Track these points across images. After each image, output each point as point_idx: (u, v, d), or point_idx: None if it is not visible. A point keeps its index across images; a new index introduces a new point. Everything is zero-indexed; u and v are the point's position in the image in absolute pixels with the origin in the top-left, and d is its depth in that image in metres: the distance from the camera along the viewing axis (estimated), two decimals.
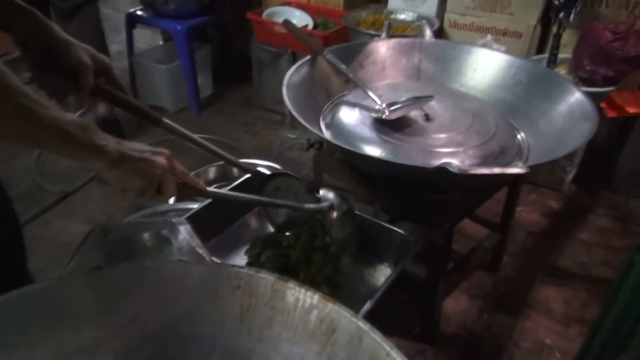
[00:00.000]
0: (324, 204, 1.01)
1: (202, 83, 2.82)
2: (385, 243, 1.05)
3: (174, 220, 0.72)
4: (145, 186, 0.69)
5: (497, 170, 0.88)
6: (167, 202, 1.43)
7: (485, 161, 1.13)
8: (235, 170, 1.75)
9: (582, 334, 1.42)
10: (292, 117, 2.71)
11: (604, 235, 1.84)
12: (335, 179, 1.33)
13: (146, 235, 1.41)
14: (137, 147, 0.69)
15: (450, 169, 0.86)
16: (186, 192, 0.76)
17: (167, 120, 0.86)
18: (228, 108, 2.83)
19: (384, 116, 1.22)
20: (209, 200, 1.07)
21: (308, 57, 1.44)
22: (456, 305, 1.50)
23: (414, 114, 1.27)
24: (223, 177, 1.75)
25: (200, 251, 0.70)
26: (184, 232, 0.71)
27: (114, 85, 0.84)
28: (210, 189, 0.80)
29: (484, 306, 1.51)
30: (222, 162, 1.88)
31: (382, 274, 1.04)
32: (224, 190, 0.95)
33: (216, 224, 1.11)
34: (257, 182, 1.07)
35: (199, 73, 2.75)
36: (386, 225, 1.03)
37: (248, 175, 1.20)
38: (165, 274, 0.69)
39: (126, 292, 0.68)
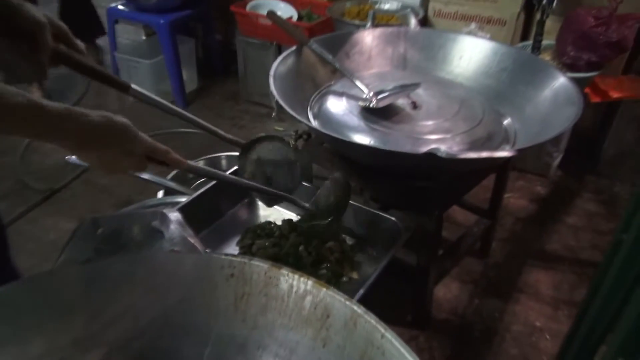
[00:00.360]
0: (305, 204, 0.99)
1: (186, 78, 2.80)
2: (376, 230, 1.06)
3: (164, 210, 0.72)
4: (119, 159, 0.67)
5: (485, 154, 0.89)
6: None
7: (473, 147, 1.14)
8: (224, 163, 1.74)
9: (571, 315, 1.44)
10: (279, 110, 2.69)
11: (590, 219, 1.87)
12: (324, 168, 1.33)
13: (135, 229, 1.40)
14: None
15: (439, 154, 0.87)
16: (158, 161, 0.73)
17: (135, 87, 0.82)
18: (214, 102, 2.81)
19: (371, 105, 1.23)
20: (199, 192, 1.06)
21: (294, 47, 1.43)
22: (447, 292, 1.52)
23: (401, 102, 1.27)
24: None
25: (192, 241, 0.70)
26: (176, 222, 0.70)
27: (75, 50, 0.77)
28: (191, 162, 0.78)
29: (474, 292, 1.53)
30: (212, 156, 1.88)
31: (374, 261, 1.04)
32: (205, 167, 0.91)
33: (206, 216, 1.11)
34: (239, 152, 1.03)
35: (183, 67, 2.73)
36: (377, 212, 1.04)
37: (232, 170, 1.19)
38: (157, 265, 0.69)
39: (118, 284, 0.68)
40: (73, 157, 1.48)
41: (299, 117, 1.13)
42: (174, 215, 0.71)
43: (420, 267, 1.24)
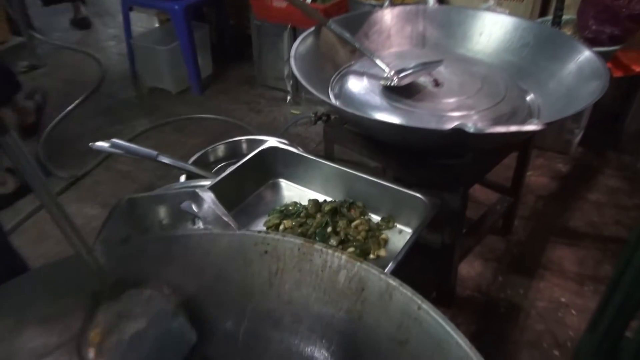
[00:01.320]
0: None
1: (201, 63, 2.80)
2: (403, 208, 1.06)
3: (197, 190, 0.73)
4: None
5: (513, 128, 0.88)
6: None
7: (497, 123, 1.13)
8: (245, 147, 1.75)
9: (597, 291, 1.44)
10: (295, 93, 2.69)
11: (613, 195, 1.85)
12: (346, 149, 1.33)
13: (162, 213, 1.42)
14: None
15: (467, 130, 0.86)
16: None
17: None
18: (230, 87, 2.82)
19: (393, 83, 1.22)
20: (225, 174, 1.07)
21: (312, 28, 1.43)
22: (470, 269, 1.52)
23: (423, 80, 1.26)
24: (233, 154, 1.74)
25: (226, 219, 0.70)
26: (209, 201, 0.71)
27: None
28: None
29: (498, 269, 1.53)
30: (232, 140, 1.89)
31: (401, 239, 1.05)
32: None
33: (232, 197, 1.11)
34: None
35: (198, 53, 2.73)
36: (403, 189, 1.04)
37: (258, 150, 1.20)
38: (192, 243, 0.70)
39: (154, 263, 0.69)
40: (97, 143, 1.49)
41: (322, 97, 1.12)
42: (207, 195, 0.72)
43: (445, 244, 1.24)
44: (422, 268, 1.32)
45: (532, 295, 1.44)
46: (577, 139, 2.04)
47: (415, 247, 0.97)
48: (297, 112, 2.52)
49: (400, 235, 1.06)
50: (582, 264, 1.55)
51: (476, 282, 1.49)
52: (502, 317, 1.39)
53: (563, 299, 1.43)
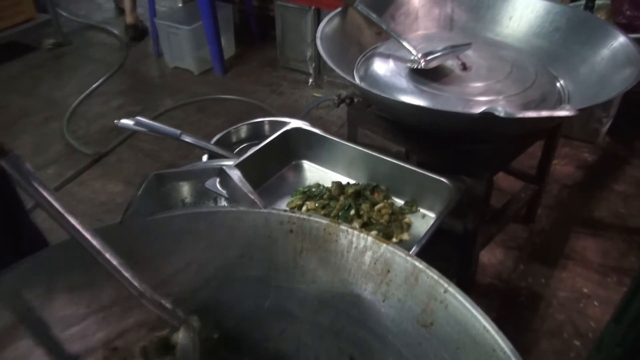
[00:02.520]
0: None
1: (224, 44, 2.80)
2: (427, 192, 1.05)
3: (224, 167, 0.73)
4: None
5: (545, 113, 0.86)
6: None
7: (526, 109, 1.11)
8: (267, 128, 1.75)
9: (621, 283, 1.42)
10: (318, 76, 2.67)
11: None
12: (370, 132, 1.32)
13: (185, 192, 1.43)
14: None
15: (497, 114, 0.85)
16: None
17: None
18: (252, 69, 2.81)
19: (420, 66, 1.20)
20: (249, 154, 1.07)
21: (339, 9, 1.41)
22: (492, 257, 1.51)
23: (451, 63, 1.24)
24: (255, 136, 1.74)
25: (252, 197, 0.70)
26: (235, 178, 0.71)
27: None
28: None
29: (519, 257, 1.51)
30: (255, 120, 1.89)
31: (424, 223, 1.04)
32: None
33: (255, 177, 1.12)
34: None
35: (221, 34, 2.72)
36: (428, 173, 1.03)
37: (282, 131, 1.20)
38: (218, 220, 0.70)
39: (181, 238, 0.70)
40: (122, 120, 1.51)
41: (347, 77, 1.11)
42: (234, 172, 0.72)
43: (468, 231, 1.23)
44: (443, 254, 1.32)
45: (554, 285, 1.43)
46: (605, 128, 1.99)
47: (437, 232, 0.96)
48: (319, 95, 2.51)
49: (424, 220, 1.05)
50: (606, 255, 1.53)
51: (497, 270, 1.48)
52: (523, 305, 1.38)
53: (585, 290, 1.41)
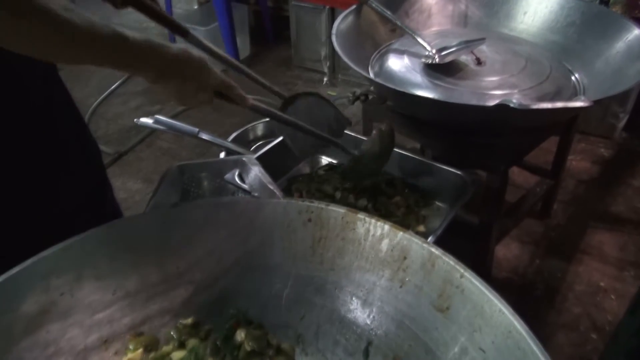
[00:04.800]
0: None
1: (240, 44, 2.83)
2: (442, 184, 1.06)
3: (244, 158, 0.75)
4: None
5: (559, 104, 0.87)
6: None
7: (541, 101, 1.11)
8: None
9: (638, 277, 1.41)
10: (332, 75, 2.68)
11: None
12: None
13: (204, 187, 1.46)
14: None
15: (512, 105, 0.86)
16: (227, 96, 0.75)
17: (194, 33, 0.82)
18: (267, 69, 2.84)
19: (434, 61, 1.21)
20: (268, 147, 1.10)
21: (354, 6, 1.43)
22: (507, 252, 1.51)
23: (465, 58, 1.25)
24: (271, 134, 1.76)
25: (271, 187, 0.72)
26: (256, 169, 0.73)
27: None
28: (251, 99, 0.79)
29: (535, 252, 1.51)
30: (269, 119, 1.91)
31: (440, 215, 1.05)
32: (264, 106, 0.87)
33: (274, 170, 1.14)
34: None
35: (237, 34, 2.75)
36: (443, 166, 1.04)
37: None
38: (238, 210, 0.72)
39: (203, 227, 0.72)
40: (141, 119, 1.53)
41: (363, 72, 1.13)
42: (254, 163, 0.74)
43: (483, 225, 1.24)
44: (458, 248, 1.32)
45: (570, 279, 1.43)
46: (622, 123, 1.98)
47: (452, 225, 0.97)
48: (334, 94, 2.53)
49: (439, 212, 1.06)
50: (623, 249, 1.52)
51: (512, 264, 1.48)
52: (539, 299, 1.38)
53: (602, 284, 1.41)
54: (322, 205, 0.71)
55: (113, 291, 0.67)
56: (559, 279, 1.43)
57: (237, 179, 1.06)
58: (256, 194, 0.73)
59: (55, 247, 0.62)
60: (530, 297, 1.39)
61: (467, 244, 1.34)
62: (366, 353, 0.67)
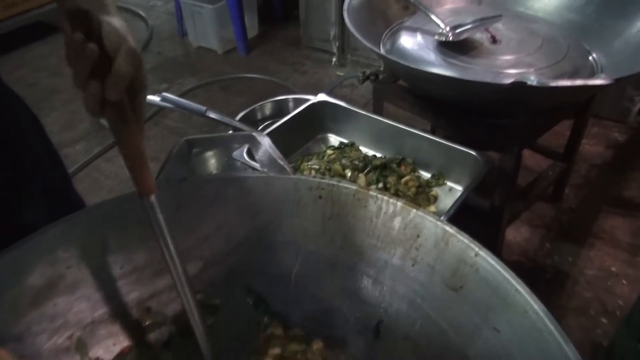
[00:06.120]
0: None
1: (248, 23, 2.79)
2: (455, 165, 1.04)
3: (254, 133, 0.73)
4: None
5: (579, 82, 0.84)
6: None
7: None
8: (291, 105, 1.75)
9: None
10: (341, 55, 2.64)
11: None
12: (397, 107, 1.31)
13: (211, 165, 1.45)
14: None
15: (529, 83, 0.83)
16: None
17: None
18: (275, 48, 2.80)
19: (448, 38, 1.18)
20: (278, 124, 1.08)
21: None
22: (517, 235, 1.49)
23: (480, 36, 1.22)
24: (280, 113, 1.74)
25: (282, 163, 0.71)
26: (266, 144, 0.72)
27: None
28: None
29: (546, 236, 1.50)
30: (279, 98, 1.89)
31: (451, 196, 1.03)
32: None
33: (282, 149, 1.12)
34: None
35: (245, 13, 2.72)
36: (456, 146, 1.02)
37: (309, 104, 1.20)
38: (248, 185, 0.71)
39: (211, 203, 0.70)
40: (149, 96, 1.52)
41: (374, 49, 1.10)
42: (264, 138, 0.73)
43: (494, 207, 1.22)
44: (468, 231, 1.30)
45: (581, 263, 1.41)
46: (637, 107, 1.93)
47: (464, 207, 0.95)
48: (342, 74, 2.50)
49: (451, 193, 1.05)
50: (635, 234, 1.50)
51: (523, 247, 1.46)
52: (549, 283, 1.37)
53: (613, 269, 1.39)
54: (334, 182, 0.69)
55: (120, 265, 0.66)
56: (569, 263, 1.41)
57: (245, 156, 1.05)
58: (266, 170, 0.72)
59: (62, 221, 0.61)
60: (540, 281, 1.37)
61: (477, 226, 1.32)
62: (376, 331, 0.66)
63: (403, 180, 1.04)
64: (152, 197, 0.56)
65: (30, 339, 0.57)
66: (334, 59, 2.63)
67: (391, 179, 1.04)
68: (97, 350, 0.62)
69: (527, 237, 1.49)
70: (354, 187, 0.68)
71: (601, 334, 1.23)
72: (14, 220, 0.75)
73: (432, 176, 1.07)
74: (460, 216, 0.94)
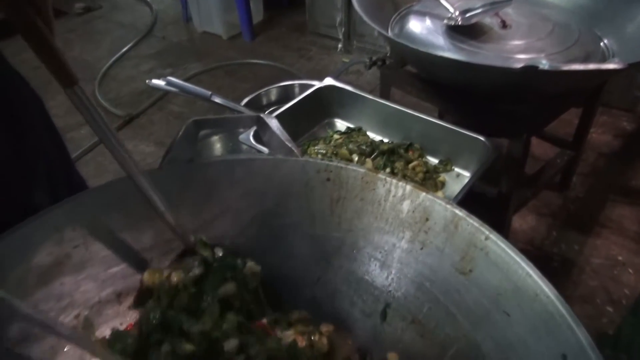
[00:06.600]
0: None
1: (253, 9, 2.77)
2: (463, 150, 1.03)
3: (262, 115, 0.72)
4: None
5: (592, 66, 0.83)
6: None
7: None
8: (297, 91, 1.73)
9: None
10: (347, 42, 2.62)
11: None
12: (404, 92, 1.30)
13: (216, 150, 1.44)
14: None
15: (541, 67, 0.82)
16: None
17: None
18: (280, 34, 2.78)
19: (457, 22, 1.17)
20: (285, 108, 1.07)
21: None
22: (524, 223, 1.48)
23: (489, 21, 1.20)
24: (285, 98, 1.73)
25: (290, 145, 0.70)
26: (274, 126, 0.71)
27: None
28: None
29: (552, 224, 1.49)
30: (285, 83, 1.88)
31: (459, 182, 1.03)
32: None
33: (290, 132, 1.12)
34: None
35: None
36: (464, 131, 1.01)
37: (316, 88, 1.19)
38: (256, 167, 0.70)
39: (219, 184, 0.70)
40: (153, 80, 1.51)
41: (382, 32, 1.09)
42: (272, 120, 0.72)
43: (502, 194, 1.21)
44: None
45: (588, 252, 1.40)
46: None
47: (471, 194, 0.94)
48: (347, 60, 2.48)
49: (458, 179, 1.04)
50: None
51: (529, 236, 1.45)
52: (555, 271, 1.36)
53: (620, 257, 1.38)
54: (342, 164, 0.68)
55: (127, 246, 0.66)
56: (576, 251, 1.41)
57: (252, 139, 1.04)
58: (273, 152, 0.71)
59: (69, 200, 0.61)
60: (546, 269, 1.35)
61: (484, 213, 1.32)
62: (384, 315, 0.66)
63: (410, 165, 1.03)
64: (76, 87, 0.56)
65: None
66: (339, 46, 2.61)
67: (398, 164, 1.03)
68: (104, 330, 0.62)
69: (534, 226, 1.48)
70: (362, 169, 0.67)
71: (607, 322, 1.23)
72: (22, 198, 0.75)
73: (440, 162, 1.06)
74: (467, 203, 0.93)
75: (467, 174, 1.04)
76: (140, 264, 0.66)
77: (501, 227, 1.33)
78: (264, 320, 0.66)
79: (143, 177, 0.62)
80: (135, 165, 0.61)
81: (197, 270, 0.65)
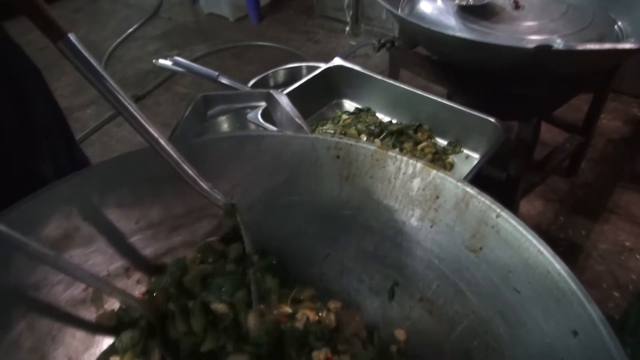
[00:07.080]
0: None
1: None
2: (472, 131, 1.02)
3: (271, 91, 0.72)
4: None
5: (607, 46, 0.81)
6: None
7: None
8: (304, 72, 1.72)
9: None
10: (355, 25, 2.60)
11: None
12: (414, 73, 1.28)
13: (224, 128, 1.44)
14: None
15: (555, 46, 0.80)
16: None
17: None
18: (287, 17, 2.76)
19: (469, 2, 1.15)
20: (293, 87, 1.06)
21: None
22: (531, 208, 1.48)
23: (502, 1, 1.19)
24: (293, 80, 1.72)
25: (299, 122, 0.69)
26: (284, 102, 0.70)
27: None
28: None
29: (559, 209, 1.48)
30: (292, 65, 1.87)
31: (467, 163, 1.02)
32: None
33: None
34: None
35: None
36: (474, 112, 1.00)
37: (324, 68, 1.18)
38: (265, 144, 0.70)
39: (228, 160, 0.69)
40: (160, 60, 1.50)
41: (393, 10, 1.07)
42: (281, 97, 0.71)
43: (510, 177, 1.20)
44: None
45: (595, 237, 1.40)
46: None
47: (479, 177, 0.93)
48: (354, 43, 2.45)
49: (467, 161, 1.03)
50: None
51: (536, 220, 1.45)
52: (561, 256, 1.35)
53: (627, 243, 1.38)
54: (352, 141, 0.68)
55: (136, 220, 0.66)
56: (583, 236, 1.40)
57: (260, 118, 1.04)
58: (283, 128, 0.70)
59: (78, 174, 0.61)
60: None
61: (492, 197, 1.31)
62: (392, 292, 0.66)
63: (419, 146, 1.02)
64: (69, 36, 0.53)
65: (46, 288, 0.57)
66: (347, 29, 2.58)
67: (407, 145, 1.02)
68: (112, 303, 0.62)
69: (541, 211, 1.48)
70: (372, 147, 0.67)
71: (613, 307, 1.23)
72: (29, 166, 0.75)
73: (449, 143, 1.05)
74: (476, 186, 0.92)
75: (476, 156, 1.03)
76: (147, 239, 0.66)
77: (509, 210, 1.32)
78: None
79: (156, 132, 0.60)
80: (148, 125, 0.60)
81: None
